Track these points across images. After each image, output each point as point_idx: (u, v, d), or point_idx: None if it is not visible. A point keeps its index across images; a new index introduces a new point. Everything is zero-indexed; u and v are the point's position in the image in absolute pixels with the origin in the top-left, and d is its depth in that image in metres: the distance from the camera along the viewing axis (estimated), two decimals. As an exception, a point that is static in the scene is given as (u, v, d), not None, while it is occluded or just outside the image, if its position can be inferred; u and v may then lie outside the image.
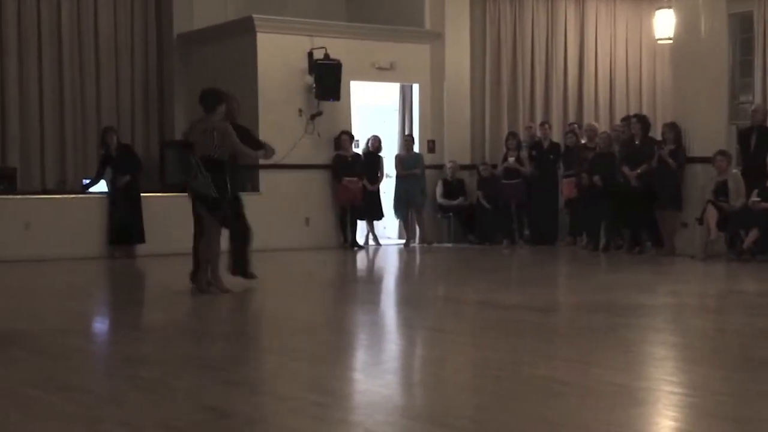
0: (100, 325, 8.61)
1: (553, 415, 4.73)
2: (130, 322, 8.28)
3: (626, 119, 14.74)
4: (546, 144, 15.70)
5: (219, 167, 9.36)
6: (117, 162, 14.03)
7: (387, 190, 16.16)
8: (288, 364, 6.25)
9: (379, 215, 16.01)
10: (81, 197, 14.37)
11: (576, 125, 16.02)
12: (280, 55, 15.19)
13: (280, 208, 15.12)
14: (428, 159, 16.33)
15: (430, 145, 16.55)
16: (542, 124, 16.15)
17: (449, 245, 16.09)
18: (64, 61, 15.70)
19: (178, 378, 5.68)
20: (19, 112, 15.33)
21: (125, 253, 13.94)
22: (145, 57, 16.54)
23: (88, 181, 14.57)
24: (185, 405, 4.98)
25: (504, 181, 15.63)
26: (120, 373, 5.98)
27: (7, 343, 7.05)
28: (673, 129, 13.44)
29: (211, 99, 9.44)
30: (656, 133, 14.66)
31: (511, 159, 15.59)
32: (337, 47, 15.20)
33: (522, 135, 16.06)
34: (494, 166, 16.02)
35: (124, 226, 13.88)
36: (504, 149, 15.94)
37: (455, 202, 16.19)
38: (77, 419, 4.71)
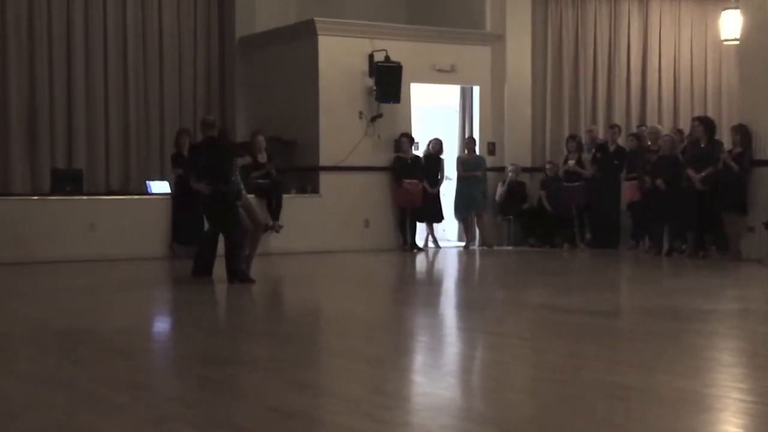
0: (165, 325, 8.70)
1: (618, 420, 4.69)
2: (193, 321, 8.35)
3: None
4: (612, 148, 15.53)
5: None
6: (186, 162, 14.12)
7: (447, 192, 16.12)
8: (350, 366, 6.26)
9: (439, 218, 15.98)
10: (145, 198, 14.53)
11: (644, 127, 15.80)
12: (340, 58, 15.24)
13: (339, 210, 15.18)
14: (488, 161, 16.27)
15: (491, 148, 16.49)
16: (612, 127, 15.99)
17: (509, 248, 16.01)
18: (128, 65, 15.91)
19: (243, 378, 5.73)
20: (85, 115, 15.56)
21: (188, 253, 14.04)
22: (208, 60, 16.69)
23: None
24: (251, 405, 5.01)
25: (564, 184, 15.51)
26: (185, 372, 6.04)
27: (74, 343, 7.16)
28: (740, 131, 13.24)
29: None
30: (722, 135, 14.44)
31: (571, 162, 15.47)
32: (397, 49, 15.21)
33: (583, 138, 15.94)
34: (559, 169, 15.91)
35: (187, 226, 13.98)
36: (565, 151, 15.83)
37: (505, 183, 16.01)
38: (144, 418, 4.77)
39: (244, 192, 10.91)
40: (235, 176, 10.81)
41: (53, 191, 14.26)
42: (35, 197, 14.15)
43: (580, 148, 15.57)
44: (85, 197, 14.22)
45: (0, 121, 15.01)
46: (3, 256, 12.91)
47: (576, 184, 15.39)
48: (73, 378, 5.75)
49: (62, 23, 15.42)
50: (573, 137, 15.80)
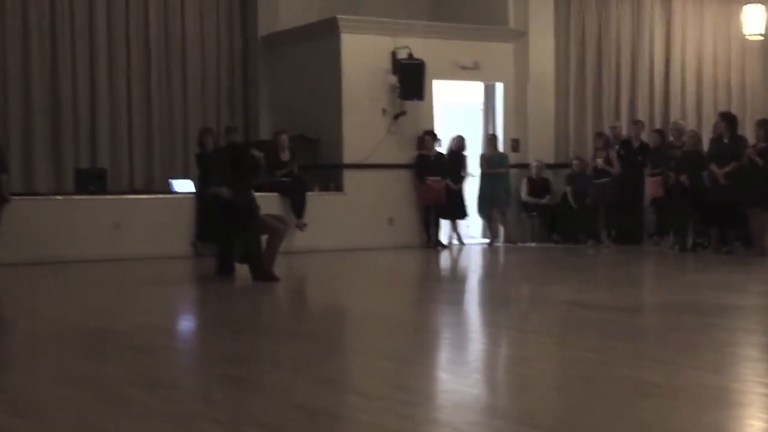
0: (189, 323, 8.73)
1: (643, 416, 4.66)
2: (217, 319, 8.38)
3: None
4: (636, 144, 15.46)
5: None
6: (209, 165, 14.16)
7: (471, 189, 16.10)
8: (374, 362, 6.27)
9: (463, 215, 15.97)
10: (168, 197, 14.59)
11: (682, 122, 15.68)
12: (363, 55, 15.24)
13: (363, 208, 15.19)
14: (512, 158, 16.24)
15: (514, 144, 16.45)
16: (635, 123, 15.93)
17: (533, 245, 15.97)
18: (151, 63, 15.97)
19: (267, 376, 5.74)
20: (108, 115, 15.63)
21: (211, 251, 14.07)
22: (231, 59, 16.74)
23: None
24: (275, 403, 5.02)
25: (594, 181, 15.43)
26: (209, 370, 6.06)
27: (99, 341, 7.20)
28: (765, 126, 13.16)
29: None
30: (746, 130, 14.34)
31: (599, 160, 15.39)
32: (420, 47, 15.21)
33: (607, 134, 15.86)
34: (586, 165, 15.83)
35: (210, 224, 14.00)
36: (593, 149, 15.76)
37: (543, 201, 16.03)
38: (169, 416, 4.79)
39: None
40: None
41: (77, 191, 14.35)
42: (59, 197, 14.23)
43: (608, 145, 15.47)
44: (109, 196, 14.28)
45: (24, 122, 15.11)
46: (28, 255, 12.99)
47: (604, 180, 15.29)
48: (98, 376, 5.78)
49: (85, 23, 15.49)
50: (600, 135, 15.72)
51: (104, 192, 14.39)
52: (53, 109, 15.29)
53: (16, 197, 13.49)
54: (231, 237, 10.96)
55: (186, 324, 8.69)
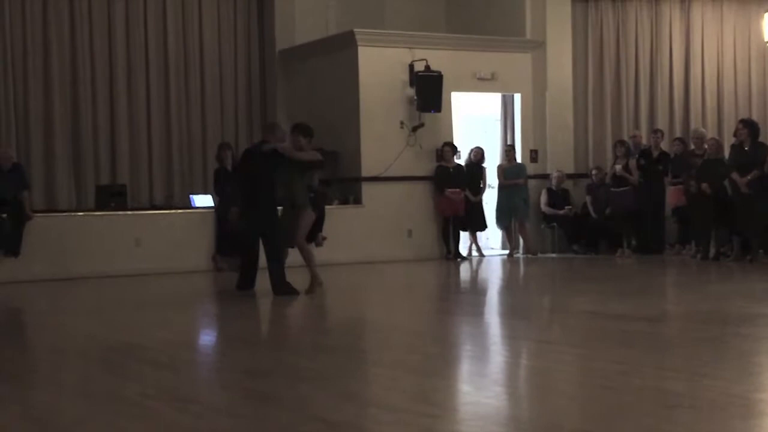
0: (210, 338, 8.74)
1: (668, 427, 4.64)
2: (238, 333, 8.39)
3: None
4: (656, 153, 15.42)
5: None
6: (230, 177, 14.17)
7: (489, 200, 16.08)
8: (395, 375, 6.25)
9: (482, 226, 15.94)
10: (188, 212, 14.64)
11: (703, 130, 15.63)
12: (381, 68, 15.27)
13: (382, 220, 15.19)
14: (531, 169, 16.21)
15: (533, 155, 16.42)
16: (655, 132, 15.89)
17: (554, 255, 15.93)
18: (170, 80, 16.04)
19: (288, 389, 5.73)
20: (128, 131, 15.71)
21: (232, 265, 14.10)
22: (248, 74, 16.79)
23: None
24: (297, 416, 5.01)
25: (612, 189, 15.39)
26: (231, 384, 6.07)
27: (121, 356, 7.22)
28: (785, 134, 13.12)
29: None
30: (766, 138, 14.27)
31: (618, 167, 15.34)
32: (437, 59, 15.21)
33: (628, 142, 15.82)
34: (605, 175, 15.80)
35: (230, 237, 14.02)
36: (613, 157, 15.72)
37: (561, 212, 16.01)
38: (191, 431, 4.79)
39: (310, 203, 10.73)
40: (313, 184, 10.79)
41: (98, 207, 14.40)
42: (80, 213, 14.29)
43: (628, 153, 15.41)
44: (129, 212, 14.34)
45: (45, 139, 15.20)
46: (50, 272, 13.06)
47: (623, 189, 15.23)
48: (121, 391, 5.79)
49: (104, 41, 15.59)
50: (622, 143, 15.67)
51: (125, 208, 14.44)
52: (74, 126, 15.39)
53: (37, 214, 13.58)
54: (254, 243, 10.87)
55: (208, 338, 8.70)
